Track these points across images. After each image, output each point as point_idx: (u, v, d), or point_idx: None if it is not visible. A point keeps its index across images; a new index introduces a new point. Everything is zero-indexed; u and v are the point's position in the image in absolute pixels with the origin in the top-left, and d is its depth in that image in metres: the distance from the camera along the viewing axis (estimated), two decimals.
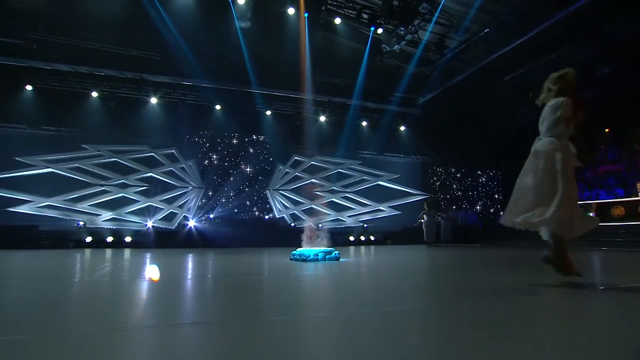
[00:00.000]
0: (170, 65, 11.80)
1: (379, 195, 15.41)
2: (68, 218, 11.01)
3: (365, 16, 11.60)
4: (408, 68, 14.50)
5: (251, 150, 14.03)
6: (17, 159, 11.00)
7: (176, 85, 12.41)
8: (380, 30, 11.99)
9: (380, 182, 15.53)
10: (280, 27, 12.03)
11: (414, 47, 13.42)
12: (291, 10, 11.53)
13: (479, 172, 16.63)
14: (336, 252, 5.89)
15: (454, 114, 15.09)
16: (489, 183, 16.70)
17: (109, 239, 10.37)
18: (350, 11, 11.92)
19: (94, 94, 11.75)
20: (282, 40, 12.36)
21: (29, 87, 11.28)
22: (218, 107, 13.16)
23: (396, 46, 12.95)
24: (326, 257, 5.70)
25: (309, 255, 5.64)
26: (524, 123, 14.78)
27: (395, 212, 15.44)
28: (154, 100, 12.24)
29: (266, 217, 13.42)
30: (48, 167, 11.23)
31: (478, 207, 15.81)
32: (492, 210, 15.88)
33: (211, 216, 12.45)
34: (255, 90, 13.11)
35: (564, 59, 12.12)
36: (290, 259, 5.84)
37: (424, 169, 16.37)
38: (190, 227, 11.80)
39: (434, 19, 11.46)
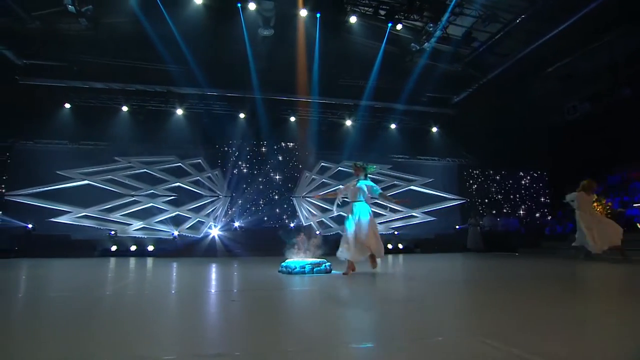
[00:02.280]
0: (194, 77, 11.88)
1: (412, 200, 14.39)
2: (102, 228, 11.35)
3: (382, 12, 10.84)
4: (440, 66, 13.47)
5: (278, 157, 13.73)
6: (58, 172, 11.56)
7: (200, 95, 12.44)
8: (399, 27, 11.15)
9: (412, 187, 14.52)
10: (301, 33, 11.63)
11: (445, 44, 12.41)
12: (310, 14, 11.07)
13: (522, 174, 15.02)
14: (327, 263, 5.27)
15: (492, 112, 13.73)
16: (533, 185, 15.01)
17: (133, 247, 10.48)
18: (366, 9, 11.22)
19: (124, 109, 12.10)
20: (304, 46, 11.99)
21: (67, 105, 11.83)
22: (242, 115, 13.02)
23: (426, 44, 12.03)
24: (314, 269, 5.11)
25: (295, 268, 5.10)
26: (576, 118, 13.11)
27: (429, 218, 14.34)
28: (179, 112, 12.35)
29: (291, 224, 12.99)
30: (85, 180, 11.68)
31: (521, 212, 14.21)
32: (537, 215, 14.21)
33: (235, 224, 12.27)
34: (278, 97, 12.85)
35: (617, 43, 10.53)
36: (279, 272, 5.32)
37: (459, 171, 15.10)
38: (214, 236, 11.67)
39: (448, 11, 10.43)
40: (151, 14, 10.32)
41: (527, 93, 13.19)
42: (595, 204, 10.51)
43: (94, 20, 10.55)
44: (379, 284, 4.37)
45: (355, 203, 5.21)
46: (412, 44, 12.21)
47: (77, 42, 11.09)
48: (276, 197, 13.28)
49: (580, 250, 6.93)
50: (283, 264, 5.35)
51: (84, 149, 11.96)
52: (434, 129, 14.75)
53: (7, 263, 8.03)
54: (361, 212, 5.10)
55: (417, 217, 14.31)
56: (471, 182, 14.89)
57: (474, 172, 15.07)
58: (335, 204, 5.65)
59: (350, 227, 5.07)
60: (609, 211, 9.84)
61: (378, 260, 5.28)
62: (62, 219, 11.33)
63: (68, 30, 11.04)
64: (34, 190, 11.33)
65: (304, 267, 5.08)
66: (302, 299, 3.30)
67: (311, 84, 12.55)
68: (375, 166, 5.90)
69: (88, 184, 11.69)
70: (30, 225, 10.76)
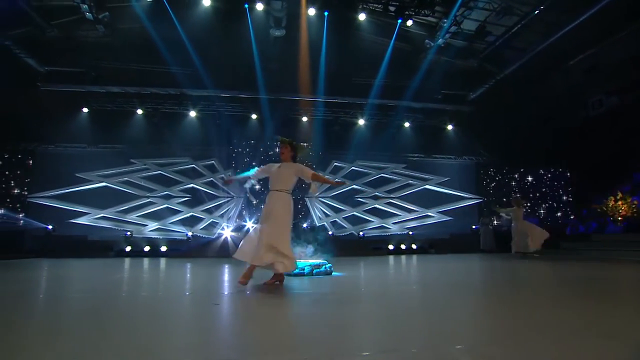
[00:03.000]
0: (206, 79, 11.94)
1: (427, 200, 14.03)
2: (119, 229, 11.56)
3: (391, 9, 10.56)
4: (455, 62, 13.07)
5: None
6: (77, 175, 11.84)
7: (213, 97, 12.48)
8: (409, 23, 10.84)
9: (427, 186, 14.14)
10: (311, 32, 11.50)
11: (460, 39, 12.01)
12: (320, 13, 10.92)
13: (542, 172, 14.38)
14: (328, 265, 5.09)
15: (510, 108, 13.21)
16: (554, 183, 14.35)
17: (146, 248, 10.60)
18: (376, 5, 10.96)
19: (139, 112, 12.27)
20: (315, 45, 11.86)
21: (85, 110, 12.10)
22: (254, 116, 13.00)
23: (440, 40, 11.68)
24: (314, 271, 4.95)
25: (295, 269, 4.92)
26: (600, 112, 12.43)
27: (445, 218, 13.93)
28: (192, 114, 12.44)
29: (305, 225, 12.87)
30: (102, 182, 11.92)
31: (542, 211, 13.59)
32: (558, 215, 13.56)
33: (247, 225, 12.25)
34: (290, 97, 12.75)
35: None
36: None
37: (477, 170, 14.61)
38: (226, 237, 11.68)
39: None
40: (164, 18, 10.42)
41: (548, 88, 12.61)
42: (620, 202, 9.92)
43: (110, 26, 10.75)
44: (367, 287, 4.18)
45: (272, 192, 4.22)
46: (427, 41, 11.90)
47: (94, 48, 11.32)
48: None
49: (525, 252, 8.72)
50: None
51: (101, 152, 12.22)
52: (450, 127, 14.32)
53: (29, 263, 8.27)
54: (276, 205, 4.11)
55: (432, 216, 13.94)
56: (488, 180, 14.38)
57: (492, 170, 14.56)
58: (247, 189, 4.55)
59: (260, 222, 4.17)
60: (634, 210, 9.27)
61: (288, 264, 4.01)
62: (81, 220, 11.60)
63: (86, 37, 11.28)
64: (55, 193, 11.65)
65: (303, 269, 4.94)
66: (302, 303, 3.15)
67: (323, 84, 12.40)
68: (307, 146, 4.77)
69: (105, 186, 11.92)
70: (50, 227, 11.07)
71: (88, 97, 12.04)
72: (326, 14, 10.85)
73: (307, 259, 5.43)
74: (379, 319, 2.49)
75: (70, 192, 11.71)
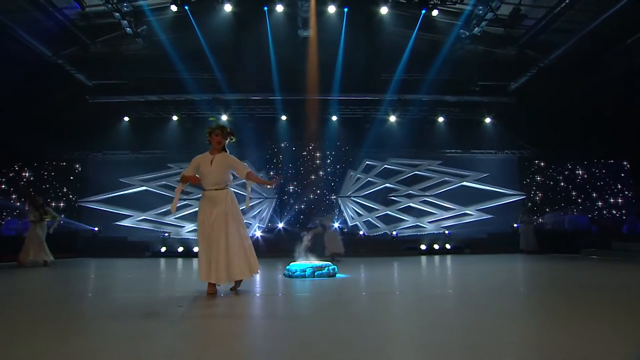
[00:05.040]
0: (237, 83, 12.05)
1: (466, 197, 13.12)
2: (158, 230, 11.97)
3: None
4: (493, 51, 12.11)
5: (321, 157, 13.38)
6: (121, 180, 12.43)
7: (244, 101, 12.55)
8: (435, 12, 10.12)
9: (465, 183, 13.24)
10: (335, 29, 11.16)
11: (497, 26, 11.09)
12: (341, 10, 10.57)
13: (595, 164, 12.91)
14: (331, 267, 4.80)
15: (557, 97, 11.96)
16: (609, 176, 12.82)
17: (180, 249, 10.83)
18: None
19: (174, 118, 12.61)
20: (340, 43, 11.52)
21: (126, 119, 12.65)
22: (284, 117, 12.89)
23: (476, 29, 10.82)
24: (315, 273, 4.68)
25: (295, 271, 4.79)
26: None
27: (485, 216, 12.96)
28: (224, 118, 12.55)
29: (339, 226, 12.54)
30: (142, 186, 12.42)
31: (594, 208, 12.17)
32: (614, 212, 12.07)
33: (279, 225, 12.18)
34: (319, 97, 12.47)
35: None
36: (283, 275, 5.06)
37: (520, 164, 13.45)
38: (257, 237, 11.65)
39: None
40: (195, 27, 10.62)
41: (601, 72, 11.25)
42: None
43: (148, 38, 11.13)
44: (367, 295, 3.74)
45: (210, 192, 3.50)
46: (462, 30, 11.10)
47: (134, 60, 11.80)
48: (323, 197, 12.96)
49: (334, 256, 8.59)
50: (287, 267, 5.06)
51: (142, 158, 12.74)
52: (487, 120, 13.29)
53: (76, 262, 8.91)
54: (219, 205, 3.41)
55: (471, 215, 13.02)
56: (533, 175, 13.18)
57: (537, 164, 13.34)
58: (176, 198, 3.72)
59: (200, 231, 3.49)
60: None
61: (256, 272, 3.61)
62: (124, 223, 12.16)
63: (127, 51, 11.81)
64: (101, 197, 12.32)
65: (305, 271, 4.72)
66: (300, 305, 2.84)
67: (351, 81, 12.01)
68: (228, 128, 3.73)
69: (145, 190, 12.40)
70: (96, 229, 11.72)
71: (128, 107, 12.57)
72: (346, 10, 10.47)
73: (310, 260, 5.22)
74: (332, 341, 2.06)
75: (115, 196, 12.34)
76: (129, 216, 12.22)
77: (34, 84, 10.38)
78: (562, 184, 13.03)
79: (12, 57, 9.63)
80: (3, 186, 12.30)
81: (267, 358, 1.76)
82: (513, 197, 13.03)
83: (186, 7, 9.53)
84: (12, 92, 9.74)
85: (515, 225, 10.62)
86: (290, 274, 4.85)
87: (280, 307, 3.13)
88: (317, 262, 5.05)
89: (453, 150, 13.51)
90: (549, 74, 11.43)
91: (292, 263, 5.13)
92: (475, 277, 5.34)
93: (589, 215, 11.42)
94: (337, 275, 4.96)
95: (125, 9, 9.54)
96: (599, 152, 12.69)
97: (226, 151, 3.69)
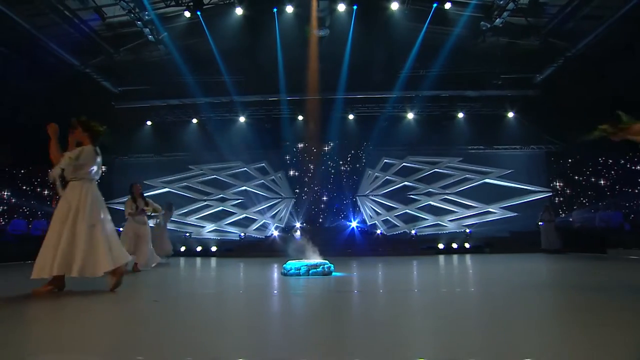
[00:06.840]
0: (254, 85, 12.07)
1: (488, 195, 12.57)
2: (179, 230, 12.19)
3: None
4: (516, 43, 11.50)
5: (338, 156, 13.21)
6: (145, 182, 12.74)
7: (261, 102, 12.56)
8: (447, 5, 9.69)
9: (487, 180, 12.68)
10: (347, 28, 10.95)
11: (520, 16, 10.51)
12: (355, 8, 10.35)
13: (629, 158, 11.99)
14: (326, 265, 4.68)
15: (586, 88, 11.18)
16: None
17: (199, 248, 10.96)
18: None
19: (194, 121, 12.80)
20: (354, 41, 11.29)
21: (149, 123, 12.96)
22: (300, 117, 12.81)
23: (498, 20, 10.29)
24: (310, 271, 4.61)
25: (290, 269, 4.77)
26: None
27: (509, 214, 12.36)
28: (242, 119, 12.63)
29: (358, 225, 12.35)
30: (165, 187, 12.68)
31: (627, 205, 11.28)
32: None
33: (297, 225, 12.12)
34: (335, 96, 12.29)
35: None
36: (282, 273, 5.00)
37: (546, 160, 12.73)
38: (275, 236, 11.64)
39: None
40: (212, 32, 10.73)
41: (634, 59, 10.41)
42: None
43: (169, 45, 11.33)
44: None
45: (71, 183, 3.51)
46: (482, 22, 10.58)
47: (156, 66, 12.05)
48: (341, 196, 12.82)
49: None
50: (284, 265, 5.02)
51: (164, 160, 13.01)
52: (510, 114, 12.64)
53: None
54: (73, 196, 3.40)
55: (494, 212, 12.46)
56: (561, 171, 12.43)
57: (565, 159, 12.57)
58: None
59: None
60: None
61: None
62: (149, 223, 12.42)
63: (150, 58, 12.09)
64: (127, 199, 12.63)
65: (299, 269, 4.64)
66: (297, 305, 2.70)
67: (367, 79, 11.76)
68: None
69: (168, 191, 12.66)
70: (121, 229, 12.02)
71: (151, 111, 12.87)
72: (355, 7, 10.24)
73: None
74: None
75: None
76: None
77: (66, 93, 10.82)
78: (592, 179, 12.20)
79: (47, 69, 10.14)
80: (38, 189, 12.91)
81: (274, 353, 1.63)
82: (539, 194, 12.36)
83: (198, 13, 9.59)
84: (45, 101, 10.19)
85: (540, 223, 10.06)
86: (285, 272, 4.88)
87: (278, 305, 3.00)
88: (312, 261, 4.96)
89: (475, 147, 12.97)
90: (577, 63, 10.72)
91: (288, 261, 5.06)
92: (491, 278, 5.00)
93: (623, 211, 10.62)
94: (332, 274, 4.88)
95: (146, 17, 9.75)
96: (633, 145, 11.76)
97: (96, 144, 3.79)
